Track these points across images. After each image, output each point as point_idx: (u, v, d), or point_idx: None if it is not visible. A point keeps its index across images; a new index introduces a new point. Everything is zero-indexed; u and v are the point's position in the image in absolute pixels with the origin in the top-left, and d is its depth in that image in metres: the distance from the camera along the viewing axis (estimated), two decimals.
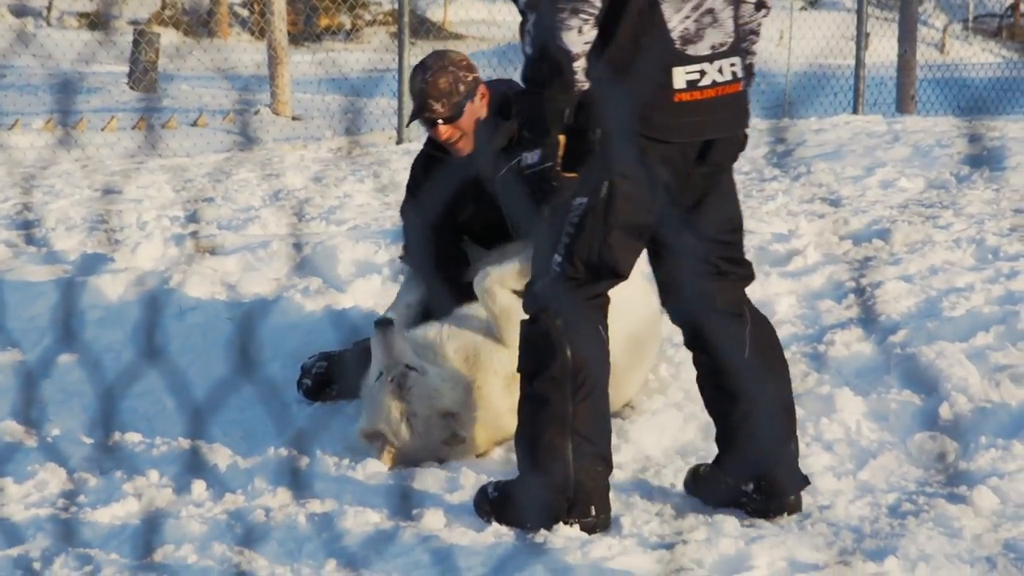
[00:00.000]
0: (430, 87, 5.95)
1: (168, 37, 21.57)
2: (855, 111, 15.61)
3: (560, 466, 4.85)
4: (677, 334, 6.56)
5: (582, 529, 4.89)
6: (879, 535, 4.89)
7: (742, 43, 4.86)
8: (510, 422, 5.71)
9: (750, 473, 5.02)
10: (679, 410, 5.97)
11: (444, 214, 6.19)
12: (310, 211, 9.30)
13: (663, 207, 4.82)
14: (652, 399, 6.05)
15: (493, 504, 5.00)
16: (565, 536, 4.83)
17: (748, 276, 5.10)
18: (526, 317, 4.98)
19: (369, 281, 7.41)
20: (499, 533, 4.91)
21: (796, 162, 10.31)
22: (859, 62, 15.81)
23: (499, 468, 5.55)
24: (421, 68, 6.03)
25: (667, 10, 4.70)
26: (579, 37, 4.58)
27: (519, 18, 4.68)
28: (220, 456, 5.69)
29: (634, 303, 5.78)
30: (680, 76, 4.73)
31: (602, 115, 4.70)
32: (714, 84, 4.78)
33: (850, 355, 6.39)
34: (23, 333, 6.94)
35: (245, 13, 31.12)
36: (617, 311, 5.16)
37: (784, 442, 5.04)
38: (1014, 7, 34.90)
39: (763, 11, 4.91)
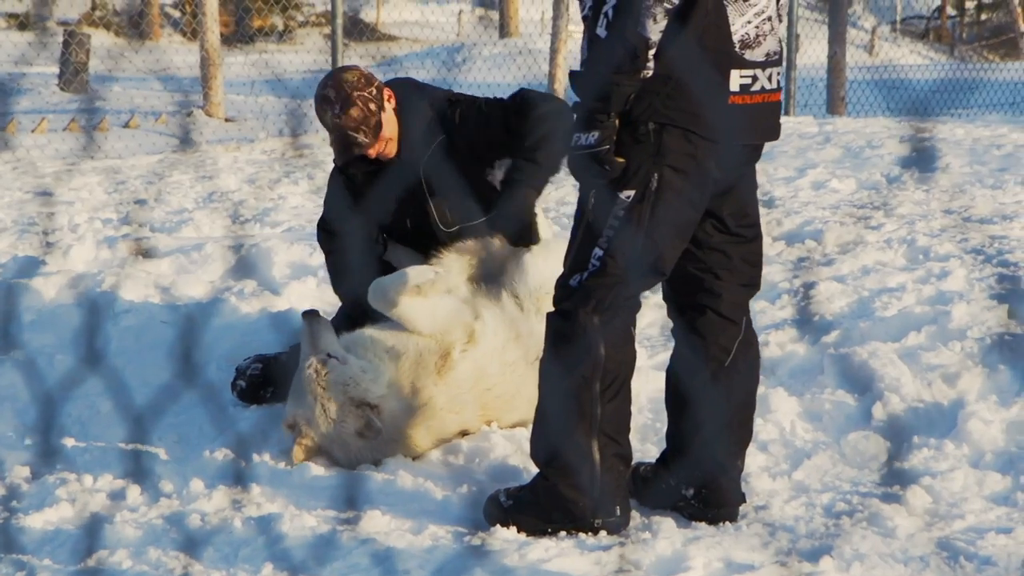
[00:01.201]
0: (346, 121, 5.91)
1: (99, 38, 21.41)
2: (786, 112, 15.70)
3: (587, 466, 4.83)
4: None
5: (605, 529, 4.88)
6: (814, 535, 4.92)
7: (781, 53, 4.93)
8: (446, 420, 5.70)
9: (694, 479, 5.03)
10: None
11: (373, 220, 6.20)
12: (244, 213, 9.27)
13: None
14: None
15: (508, 511, 4.94)
16: (503, 538, 4.83)
17: (756, 282, 5.10)
18: (553, 310, 4.90)
19: (304, 283, 7.40)
20: (436, 536, 4.90)
21: None
22: (790, 64, 15.90)
23: (438, 471, 5.55)
24: (327, 104, 5.94)
25: (732, 13, 4.72)
26: (655, 25, 4.57)
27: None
28: (155, 460, 5.65)
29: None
30: (735, 79, 4.75)
31: (657, 108, 4.69)
32: (763, 90, 4.81)
33: (784, 355, 6.43)
34: None
35: (177, 14, 30.95)
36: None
37: (734, 456, 5.07)
38: (941, 9, 35.26)
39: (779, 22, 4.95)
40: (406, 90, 6.18)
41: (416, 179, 6.10)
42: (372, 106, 5.95)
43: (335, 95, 5.94)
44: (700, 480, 5.02)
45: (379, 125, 5.96)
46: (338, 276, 6.25)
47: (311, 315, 5.73)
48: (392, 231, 6.25)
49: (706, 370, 4.98)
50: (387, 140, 6.03)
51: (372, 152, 6.02)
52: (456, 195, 6.09)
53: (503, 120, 6.09)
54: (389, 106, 6.04)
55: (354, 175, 6.19)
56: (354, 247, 6.15)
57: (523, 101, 6.10)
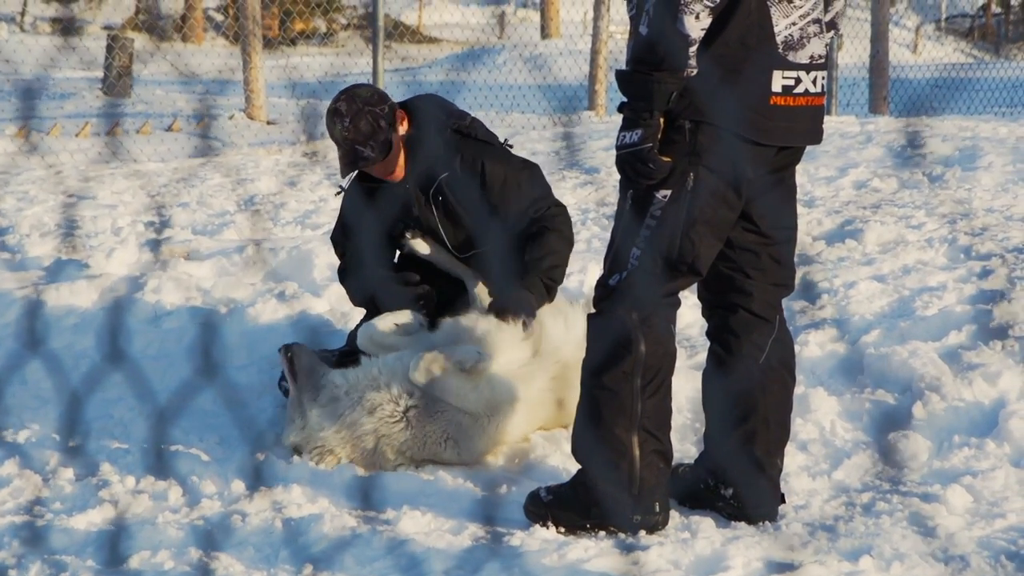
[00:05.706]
0: (353, 134, 5.94)
1: (141, 42, 21.52)
2: (828, 111, 15.64)
3: (627, 462, 4.84)
4: None
5: (644, 527, 4.89)
6: (854, 534, 4.91)
7: (828, 58, 4.91)
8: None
9: (732, 478, 5.03)
10: None
11: (384, 238, 6.22)
12: (285, 215, 9.30)
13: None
14: None
15: (548, 506, 4.96)
16: (542, 538, 4.84)
17: (788, 282, 5.10)
18: (594, 310, 4.93)
19: None
20: (476, 536, 4.92)
21: None
22: (831, 63, 15.85)
23: (478, 471, 5.56)
24: (337, 116, 5.97)
25: (776, 14, 4.73)
26: (697, 23, 4.58)
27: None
28: (196, 461, 5.68)
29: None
30: (778, 80, 4.75)
31: (696, 107, 4.70)
32: (806, 93, 4.81)
33: (824, 355, 6.42)
34: None
35: (220, 17, 31.09)
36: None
37: (772, 456, 5.06)
38: (986, 7, 35.07)
39: (832, 32, 4.94)
40: (425, 114, 6.13)
41: (423, 198, 6.10)
42: (382, 123, 5.96)
43: (346, 108, 5.97)
44: (738, 480, 5.01)
45: (388, 143, 5.97)
46: (351, 273, 6.26)
47: (293, 348, 5.76)
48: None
49: (741, 369, 4.98)
50: (395, 160, 6.04)
51: (378, 170, 6.04)
52: (463, 222, 6.10)
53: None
54: (400, 126, 6.04)
55: (372, 189, 6.18)
56: (367, 246, 6.16)
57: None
